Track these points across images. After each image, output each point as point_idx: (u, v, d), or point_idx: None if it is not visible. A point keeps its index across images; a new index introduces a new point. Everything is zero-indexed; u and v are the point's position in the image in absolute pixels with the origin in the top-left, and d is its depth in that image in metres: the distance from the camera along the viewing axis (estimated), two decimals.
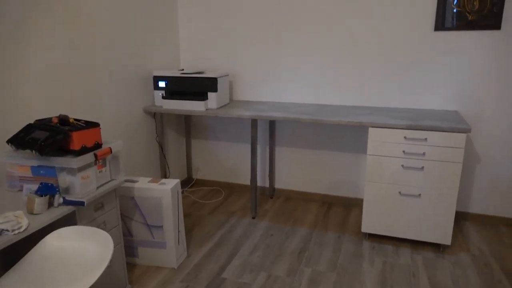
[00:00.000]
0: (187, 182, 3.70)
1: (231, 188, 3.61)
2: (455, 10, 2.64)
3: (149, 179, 2.36)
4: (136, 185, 2.25)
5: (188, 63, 3.45)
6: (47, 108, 2.13)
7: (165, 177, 3.31)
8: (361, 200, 3.20)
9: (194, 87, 2.92)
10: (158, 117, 3.16)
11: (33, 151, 1.62)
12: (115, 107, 2.70)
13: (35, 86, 2.05)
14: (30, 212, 1.54)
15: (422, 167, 2.37)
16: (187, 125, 3.57)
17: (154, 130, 3.16)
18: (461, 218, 2.97)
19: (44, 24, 2.07)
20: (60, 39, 2.18)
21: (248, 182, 3.54)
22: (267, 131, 3.34)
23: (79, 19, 2.31)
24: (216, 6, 3.23)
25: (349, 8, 2.88)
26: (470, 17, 2.63)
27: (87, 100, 2.43)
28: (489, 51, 2.63)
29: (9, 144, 1.69)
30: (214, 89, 2.88)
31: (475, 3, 2.60)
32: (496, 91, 2.68)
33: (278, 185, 3.44)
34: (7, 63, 1.89)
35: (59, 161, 1.65)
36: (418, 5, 2.71)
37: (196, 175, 3.72)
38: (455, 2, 2.62)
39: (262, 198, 3.43)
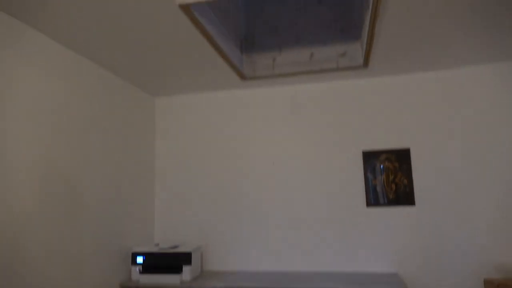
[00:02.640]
0: None
1: None
2: (379, 191, 3.43)
3: None
4: None
5: (161, 236, 3.83)
6: None
7: None
8: None
9: (170, 261, 3.24)
10: None
11: None
12: (93, 281, 2.91)
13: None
14: None
15: None
16: None
17: None
18: None
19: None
20: (47, 209, 2.55)
21: None
22: None
23: (68, 196, 2.73)
24: (185, 184, 3.84)
25: (303, 194, 3.60)
26: (391, 196, 3.41)
27: (68, 275, 2.66)
28: (410, 221, 3.34)
29: None
30: (189, 263, 3.22)
31: (392, 186, 3.42)
32: (425, 255, 3.29)
33: None
34: None
35: None
36: (352, 187, 3.49)
37: None
38: (380, 183, 3.43)
39: None
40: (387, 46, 2.85)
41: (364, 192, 3.46)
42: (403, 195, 3.38)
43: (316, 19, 3.20)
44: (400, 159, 3.43)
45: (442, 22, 2.51)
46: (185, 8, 2.10)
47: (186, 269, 3.21)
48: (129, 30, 2.45)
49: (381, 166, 3.45)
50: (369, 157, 3.49)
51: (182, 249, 3.29)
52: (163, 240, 3.83)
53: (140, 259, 3.28)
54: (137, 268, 3.27)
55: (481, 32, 2.71)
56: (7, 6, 2.11)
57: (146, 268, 3.28)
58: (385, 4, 2.19)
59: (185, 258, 3.24)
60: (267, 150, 3.73)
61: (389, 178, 3.43)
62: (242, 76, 3.35)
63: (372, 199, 3.43)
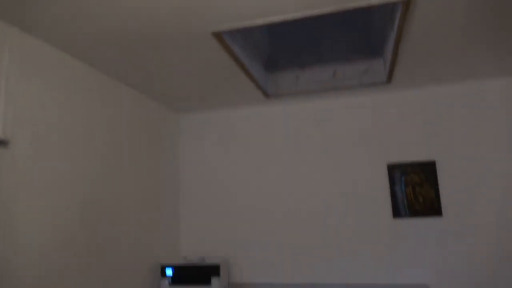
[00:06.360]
0: None
1: None
2: (404, 203, 3.46)
3: None
4: None
5: (188, 249, 3.94)
6: None
7: None
8: None
9: (199, 273, 3.34)
10: None
11: None
12: None
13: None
14: None
15: None
16: None
17: None
18: None
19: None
20: (85, 231, 2.68)
21: None
22: None
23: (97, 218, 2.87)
24: (209, 198, 3.95)
25: (329, 207, 3.66)
26: (417, 208, 3.43)
27: None
28: (438, 232, 3.36)
29: None
30: (217, 274, 3.32)
31: (419, 198, 3.44)
32: (455, 267, 3.30)
33: None
34: None
35: None
36: (378, 199, 3.53)
37: None
38: (404, 195, 3.46)
39: None
40: (410, 61, 2.90)
41: (391, 204, 3.50)
42: (430, 207, 3.40)
43: (336, 38, 3.28)
44: (425, 172, 3.46)
45: (466, 34, 2.55)
46: (217, 35, 2.22)
47: (214, 280, 3.31)
48: (156, 50, 2.60)
49: (406, 179, 3.49)
50: (394, 170, 3.53)
51: (210, 261, 3.39)
52: (190, 253, 3.94)
53: (169, 272, 3.39)
54: (167, 281, 3.38)
55: (506, 45, 2.75)
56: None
57: (175, 280, 3.39)
58: (409, 25, 2.26)
59: (213, 270, 3.33)
60: (291, 165, 3.81)
61: (415, 190, 3.46)
62: (266, 94, 3.46)
63: (398, 211, 3.46)
